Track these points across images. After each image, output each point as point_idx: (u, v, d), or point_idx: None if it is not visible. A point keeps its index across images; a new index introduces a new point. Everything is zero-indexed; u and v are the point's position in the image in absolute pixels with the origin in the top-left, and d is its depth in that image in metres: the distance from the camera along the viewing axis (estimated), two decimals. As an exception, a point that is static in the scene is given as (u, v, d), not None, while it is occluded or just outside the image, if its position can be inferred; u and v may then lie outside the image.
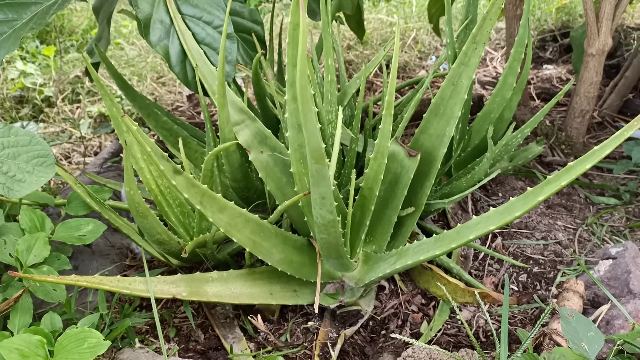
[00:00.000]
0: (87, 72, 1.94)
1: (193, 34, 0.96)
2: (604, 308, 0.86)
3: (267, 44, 1.24)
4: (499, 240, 1.09)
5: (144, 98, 1.19)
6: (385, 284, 0.99)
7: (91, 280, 0.72)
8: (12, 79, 2.09)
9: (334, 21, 1.32)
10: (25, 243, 0.83)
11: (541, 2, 2.72)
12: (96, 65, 1.28)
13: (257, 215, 0.85)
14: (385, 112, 0.78)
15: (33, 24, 0.87)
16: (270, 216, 0.87)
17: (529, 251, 1.06)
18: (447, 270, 0.98)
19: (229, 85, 0.98)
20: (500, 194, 1.23)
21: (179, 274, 0.85)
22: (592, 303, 0.91)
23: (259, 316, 0.90)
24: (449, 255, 1.03)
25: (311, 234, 0.90)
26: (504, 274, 1.01)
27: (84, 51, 1.02)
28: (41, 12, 0.89)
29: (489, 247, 1.08)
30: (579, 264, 1.00)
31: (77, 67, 2.29)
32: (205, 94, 0.98)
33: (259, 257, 0.85)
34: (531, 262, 1.03)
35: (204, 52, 0.96)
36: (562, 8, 2.50)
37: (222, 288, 0.86)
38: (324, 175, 0.70)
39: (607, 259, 0.94)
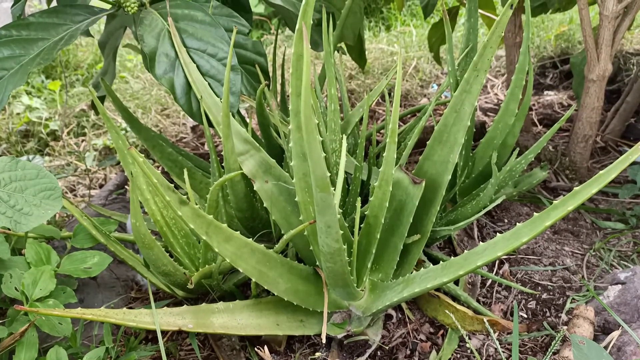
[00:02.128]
0: (92, 106, 1.97)
1: (198, 67, 0.97)
2: (615, 334, 0.85)
3: (270, 74, 1.25)
4: (506, 266, 1.08)
5: (149, 130, 1.20)
6: (393, 312, 0.98)
7: (97, 314, 0.72)
8: (18, 114, 2.11)
9: (336, 51, 1.34)
10: (31, 276, 0.82)
11: (540, 29, 2.75)
12: (102, 99, 1.30)
13: (262, 245, 0.85)
14: (389, 140, 0.79)
15: (40, 59, 0.88)
16: (276, 246, 0.87)
17: (537, 277, 1.05)
18: (455, 298, 0.98)
19: (233, 116, 0.99)
20: (505, 220, 1.23)
21: (185, 305, 0.84)
22: (602, 329, 0.90)
23: (265, 347, 0.89)
24: (457, 282, 1.02)
25: (317, 263, 0.90)
26: (512, 301, 1.00)
27: (90, 85, 1.03)
28: (48, 47, 0.91)
29: (497, 273, 1.08)
30: (588, 290, 0.99)
31: (82, 101, 2.32)
32: (210, 125, 0.99)
33: (265, 287, 0.84)
34: (540, 288, 1.02)
35: (209, 84, 0.97)
36: (560, 35, 2.53)
37: (229, 319, 0.86)
38: (329, 204, 0.70)
39: (616, 284, 0.93)
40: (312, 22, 0.85)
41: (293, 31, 1.32)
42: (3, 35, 0.91)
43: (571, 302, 0.97)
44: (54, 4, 1.30)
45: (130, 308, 1.04)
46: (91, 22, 0.96)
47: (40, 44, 0.90)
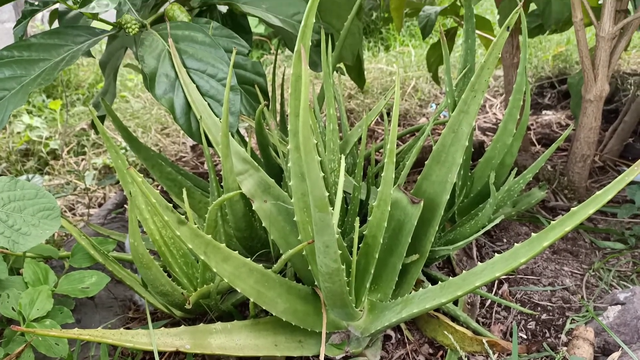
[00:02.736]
0: (92, 125, 1.97)
1: (197, 87, 0.98)
2: (615, 355, 0.84)
3: (270, 94, 1.26)
4: (505, 286, 1.08)
5: (148, 149, 1.20)
6: (392, 333, 0.98)
7: (94, 334, 0.72)
8: (18, 133, 2.12)
9: (335, 72, 1.35)
10: (28, 296, 0.82)
11: (538, 50, 2.78)
12: (102, 118, 1.30)
13: (261, 265, 0.84)
14: (387, 160, 0.79)
15: (41, 80, 0.89)
16: (275, 265, 0.86)
17: (537, 298, 1.05)
18: (454, 319, 0.97)
19: (233, 136, 1.00)
20: (504, 240, 1.22)
21: (183, 325, 0.84)
22: (602, 350, 0.89)
23: (263, 368, 0.88)
24: (456, 302, 1.01)
25: (316, 283, 0.89)
26: (512, 322, 0.99)
27: (90, 104, 1.04)
28: (49, 68, 0.91)
29: (496, 293, 1.07)
30: (587, 311, 0.98)
31: (83, 120, 2.33)
32: (209, 144, 1.00)
33: (263, 307, 0.84)
34: (539, 309, 1.02)
35: (208, 104, 0.98)
36: (558, 55, 2.55)
37: (226, 340, 0.85)
38: (328, 224, 0.70)
39: (616, 304, 0.92)
40: (311, 43, 0.86)
41: (292, 51, 1.33)
42: (5, 56, 0.92)
43: (571, 323, 0.97)
44: (56, 24, 1.31)
45: (128, 328, 1.04)
46: (92, 43, 0.97)
47: (42, 64, 0.91)
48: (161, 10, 1.20)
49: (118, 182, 1.79)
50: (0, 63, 0.92)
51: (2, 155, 1.98)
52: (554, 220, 0.68)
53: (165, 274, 0.89)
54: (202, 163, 1.93)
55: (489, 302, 1.05)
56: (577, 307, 1.01)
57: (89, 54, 1.17)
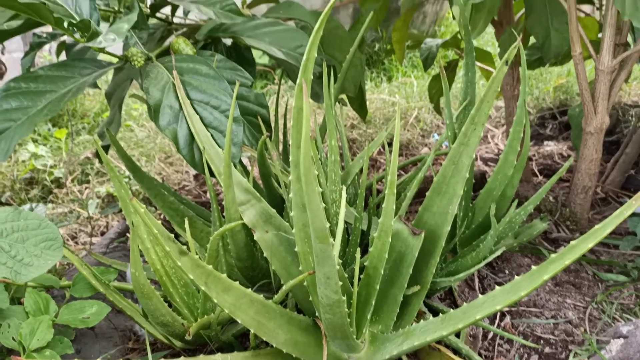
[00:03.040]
0: (97, 154, 1.99)
1: (201, 118, 0.99)
2: (619, 390, 0.83)
3: (273, 124, 1.28)
4: (507, 319, 1.07)
5: (151, 179, 1.21)
6: (393, 365, 0.97)
7: (93, 365, 0.71)
8: (23, 161, 2.14)
9: (337, 103, 1.37)
10: (29, 326, 0.82)
11: (539, 81, 2.80)
12: (106, 148, 1.32)
13: (262, 295, 0.84)
14: (387, 191, 0.80)
15: (47, 111, 0.90)
16: (275, 296, 0.86)
17: (539, 330, 1.04)
18: (456, 351, 0.96)
19: (235, 166, 1.01)
20: (507, 271, 1.22)
21: (183, 357, 0.84)
22: (606, 385, 0.88)
23: (263, 401, 0.88)
24: (458, 335, 1.01)
25: (317, 314, 0.89)
26: (514, 355, 0.99)
27: (95, 134, 1.05)
28: (55, 99, 0.93)
29: (498, 326, 1.06)
30: (590, 344, 0.98)
31: (87, 149, 2.35)
32: (212, 174, 1.01)
33: (264, 339, 0.83)
34: (542, 342, 1.01)
35: (211, 135, 0.99)
36: (559, 87, 2.57)
37: (226, 371, 0.85)
38: (329, 255, 0.70)
39: (619, 337, 0.92)
40: (313, 75, 0.87)
41: (295, 82, 1.35)
42: (12, 87, 0.94)
43: (574, 357, 0.96)
44: (63, 56, 1.34)
45: (127, 359, 1.03)
46: (98, 75, 0.99)
47: (48, 96, 0.93)
48: (167, 43, 1.22)
49: (121, 210, 1.79)
50: (7, 94, 0.93)
51: (6, 183, 1.99)
52: (555, 252, 0.68)
53: (166, 304, 0.89)
54: (205, 192, 1.94)
55: (491, 334, 1.05)
56: (580, 341, 1.00)
57: (95, 85, 1.19)
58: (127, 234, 1.54)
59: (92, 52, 1.22)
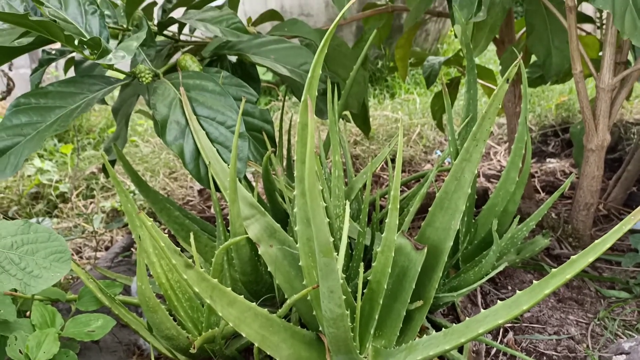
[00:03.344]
0: (102, 169, 2.01)
1: (207, 134, 1.01)
2: (622, 406, 0.84)
3: (277, 140, 1.29)
4: (510, 335, 1.07)
5: (157, 193, 1.22)
6: (396, 380, 0.97)
7: (99, 377, 0.72)
8: (29, 176, 2.16)
9: (340, 119, 1.38)
10: (35, 339, 0.83)
11: (541, 99, 2.82)
12: (112, 163, 1.33)
13: (266, 310, 0.85)
14: (391, 207, 0.81)
15: (57, 126, 0.92)
16: (279, 310, 0.87)
17: (542, 346, 1.04)
18: (459, 366, 0.97)
19: (240, 181, 1.02)
20: (509, 287, 1.22)
21: (187, 370, 0.84)
22: (609, 401, 0.88)
23: (266, 415, 0.88)
24: (461, 350, 1.01)
25: (320, 328, 0.90)
26: (517, 370, 0.99)
27: (101, 149, 1.07)
28: (64, 115, 0.95)
29: (501, 342, 1.07)
30: (593, 360, 0.98)
31: (92, 164, 2.37)
32: (217, 189, 1.02)
33: (268, 353, 0.84)
34: (544, 358, 1.01)
35: (217, 150, 1.01)
36: (561, 105, 2.59)
37: (230, 385, 0.85)
38: (333, 269, 0.71)
39: (621, 354, 0.92)
40: (317, 92, 0.89)
41: (298, 99, 1.37)
42: (22, 103, 0.96)
43: (577, 372, 0.96)
44: (71, 72, 1.36)
45: (132, 373, 1.03)
46: (107, 91, 1.01)
47: (58, 111, 0.95)
48: (173, 59, 1.24)
49: (125, 225, 1.81)
50: (17, 110, 0.95)
51: (13, 198, 2.00)
52: (554, 269, 0.69)
53: (171, 317, 0.89)
54: (209, 207, 1.95)
55: (494, 350, 1.05)
56: (583, 357, 1.01)
57: (103, 101, 1.21)
58: (132, 249, 1.55)
59: (100, 68, 1.24)
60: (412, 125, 2.64)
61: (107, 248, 1.68)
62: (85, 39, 0.89)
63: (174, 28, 1.31)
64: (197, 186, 2.13)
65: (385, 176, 2.08)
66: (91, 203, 2.02)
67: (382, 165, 2.17)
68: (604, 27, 1.33)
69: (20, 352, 0.81)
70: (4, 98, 1.69)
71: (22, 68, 3.56)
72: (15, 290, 0.88)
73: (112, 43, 1.00)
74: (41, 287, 0.73)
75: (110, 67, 0.98)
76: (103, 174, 2.19)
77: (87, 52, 0.94)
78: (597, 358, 0.98)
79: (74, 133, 2.66)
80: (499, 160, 2.22)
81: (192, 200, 2.02)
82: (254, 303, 0.84)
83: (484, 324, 0.73)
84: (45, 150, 2.50)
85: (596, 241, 0.64)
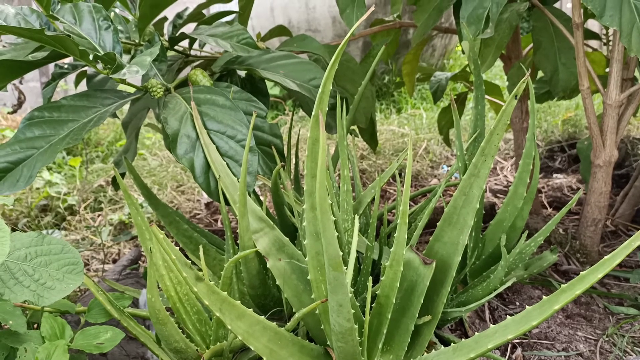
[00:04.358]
0: (112, 181, 2.02)
1: (217, 148, 1.02)
2: None
3: (285, 154, 1.30)
4: (519, 351, 1.07)
5: (166, 207, 1.23)
6: (404, 396, 0.97)
7: (108, 389, 0.72)
8: (38, 188, 2.18)
9: (348, 134, 1.39)
10: (45, 351, 0.83)
11: (547, 114, 2.83)
12: (122, 176, 1.34)
13: (274, 323, 0.85)
14: (400, 221, 0.81)
15: (69, 139, 0.93)
16: (288, 324, 0.87)
17: (550, 362, 1.04)
18: (467, 382, 0.96)
19: (249, 195, 1.03)
20: (517, 303, 1.22)
21: (195, 383, 0.84)
22: (619, 418, 0.88)
23: None
24: (468, 366, 1.01)
25: (328, 343, 0.90)
26: (525, 387, 0.98)
27: (112, 162, 1.08)
28: (77, 128, 0.96)
29: (509, 358, 1.06)
30: (602, 377, 0.97)
31: (101, 177, 2.39)
32: (227, 203, 1.03)
33: (276, 367, 0.84)
34: (553, 374, 1.01)
35: (227, 164, 1.02)
36: (567, 120, 2.59)
37: (238, 399, 0.85)
38: (342, 283, 0.71)
39: (631, 370, 0.91)
40: (327, 108, 0.90)
41: (307, 113, 1.38)
42: (36, 116, 0.97)
43: (586, 389, 0.96)
44: (82, 86, 1.38)
45: (139, 385, 1.03)
46: (119, 105, 1.02)
47: (70, 124, 0.96)
48: (183, 74, 1.26)
49: (133, 238, 1.81)
50: (31, 123, 0.97)
51: (23, 210, 2.02)
52: (564, 285, 0.69)
53: (180, 330, 0.89)
54: (216, 220, 1.96)
55: (502, 366, 1.04)
56: (592, 373, 1.00)
57: (114, 115, 1.23)
58: (139, 262, 1.56)
59: (112, 82, 1.26)
60: (419, 140, 2.65)
61: (114, 261, 1.69)
62: (99, 54, 0.91)
63: (184, 43, 1.33)
64: (204, 200, 2.13)
65: (392, 190, 2.09)
66: (99, 216, 2.03)
67: (389, 180, 2.18)
68: (611, 43, 1.34)
69: (30, 363, 0.82)
70: (15, 111, 1.72)
71: (31, 81, 3.60)
72: (25, 302, 0.89)
73: (125, 58, 1.02)
74: (54, 299, 0.73)
75: (123, 81, 0.99)
76: (111, 187, 2.20)
77: (100, 67, 0.95)
78: (606, 375, 0.97)
79: (83, 146, 2.68)
80: (505, 176, 2.22)
81: (199, 214, 2.03)
82: (263, 317, 0.84)
83: (494, 339, 0.73)
84: (54, 163, 2.52)
85: (605, 257, 0.65)
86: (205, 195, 2.13)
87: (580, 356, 1.05)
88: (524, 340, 1.10)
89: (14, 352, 0.83)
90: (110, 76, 0.90)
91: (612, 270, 1.37)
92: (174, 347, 0.90)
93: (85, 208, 2.09)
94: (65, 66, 1.25)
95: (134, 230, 1.85)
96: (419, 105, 3.52)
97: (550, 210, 1.83)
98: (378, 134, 2.64)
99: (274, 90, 3.50)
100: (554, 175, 2.19)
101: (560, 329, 1.13)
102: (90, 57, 0.90)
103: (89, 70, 1.31)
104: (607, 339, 1.11)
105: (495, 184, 2.14)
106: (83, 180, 2.30)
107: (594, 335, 1.13)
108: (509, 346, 1.09)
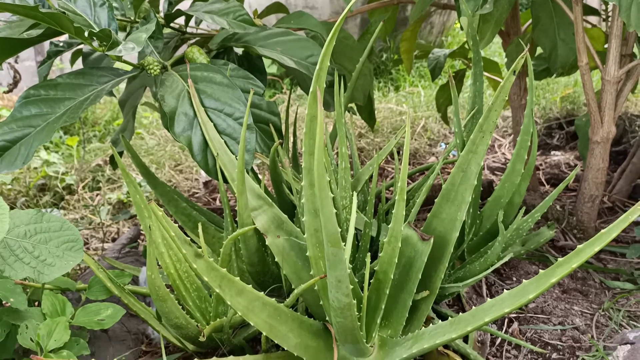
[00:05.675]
0: (110, 161, 2.02)
1: (215, 125, 1.02)
2: (626, 395, 0.85)
3: (283, 132, 1.30)
4: (515, 325, 1.08)
5: (165, 185, 1.23)
6: (402, 370, 0.98)
7: (110, 365, 0.73)
8: (35, 168, 2.17)
9: (346, 111, 1.39)
10: (46, 327, 0.84)
11: (545, 91, 2.82)
12: (119, 155, 1.34)
13: (273, 299, 0.86)
14: (398, 197, 0.81)
15: (66, 118, 0.93)
16: (287, 300, 0.88)
17: (547, 337, 1.05)
18: (465, 357, 0.97)
19: (247, 173, 1.03)
20: (514, 278, 1.23)
21: (196, 359, 0.85)
22: (613, 390, 0.89)
23: (274, 403, 0.89)
24: (466, 340, 1.02)
25: (327, 319, 0.91)
26: (522, 360, 1.00)
27: (110, 141, 1.08)
28: (74, 106, 0.95)
29: (506, 332, 1.08)
30: (597, 350, 0.99)
31: (98, 156, 2.38)
32: (225, 180, 1.03)
33: (276, 342, 0.85)
34: (549, 348, 1.02)
35: (225, 142, 1.02)
36: (566, 97, 2.59)
37: (238, 374, 0.86)
38: (340, 259, 0.72)
39: (625, 344, 0.93)
40: (324, 85, 0.90)
41: (305, 91, 1.38)
42: (32, 94, 0.97)
43: (581, 362, 0.97)
44: (78, 64, 1.37)
45: (140, 361, 1.05)
46: (115, 83, 1.02)
47: (67, 103, 0.95)
48: (180, 52, 1.25)
49: (132, 217, 1.82)
50: (27, 101, 0.96)
51: (21, 190, 2.02)
52: (560, 258, 0.70)
53: (180, 307, 0.90)
54: (214, 199, 1.96)
55: (499, 340, 1.06)
56: (587, 347, 1.01)
57: (111, 93, 1.22)
58: (139, 240, 1.56)
59: (108, 60, 1.25)
60: (417, 118, 2.65)
61: (113, 239, 1.69)
62: (94, 31, 0.90)
63: (180, 20, 1.32)
64: (203, 178, 2.13)
65: (389, 169, 2.09)
66: (97, 195, 2.04)
67: (387, 158, 2.18)
68: (610, 19, 1.33)
69: (31, 340, 0.82)
70: (11, 90, 1.70)
71: (27, 61, 3.57)
72: (25, 280, 0.89)
73: (120, 35, 1.01)
74: (54, 275, 0.74)
75: (119, 58, 0.99)
76: (109, 166, 2.20)
77: (96, 44, 0.95)
78: (602, 348, 0.99)
79: (80, 125, 2.67)
80: (503, 153, 2.22)
81: (197, 193, 2.03)
82: (262, 293, 0.85)
83: (490, 312, 0.74)
84: (51, 142, 2.51)
85: (602, 230, 0.65)
86: (203, 174, 2.14)
87: (576, 330, 1.06)
88: (520, 315, 1.11)
89: (15, 329, 0.84)
90: (106, 53, 0.90)
91: (609, 246, 1.38)
92: (174, 324, 0.90)
93: (83, 187, 2.09)
94: (61, 44, 1.23)
95: (133, 209, 1.85)
96: (417, 83, 3.50)
97: (547, 187, 1.84)
98: (376, 112, 2.63)
99: (271, 69, 3.48)
100: (552, 152, 2.19)
101: (556, 303, 1.14)
102: (86, 34, 0.89)
103: (85, 48, 1.30)
104: (603, 313, 1.13)
105: (493, 161, 2.14)
106: (81, 159, 2.30)
107: (590, 310, 1.14)
108: (506, 320, 1.10)
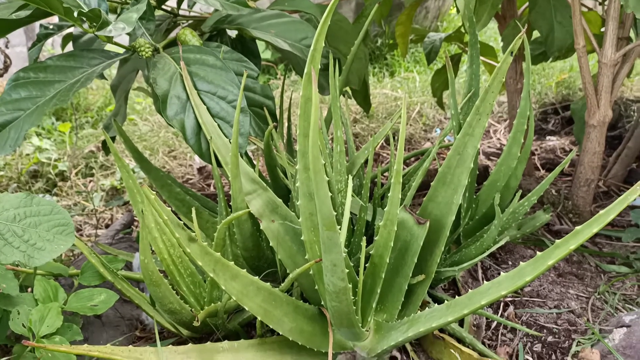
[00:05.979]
0: (102, 147, 2.00)
1: (208, 109, 1.00)
2: (622, 378, 0.84)
3: (277, 117, 1.28)
4: (511, 309, 1.08)
5: (158, 170, 1.22)
6: (398, 354, 0.98)
7: (103, 350, 0.72)
8: (27, 154, 2.15)
9: (341, 95, 1.37)
10: (38, 313, 0.83)
11: (541, 76, 2.81)
12: (112, 140, 1.32)
13: (268, 284, 0.85)
14: (394, 180, 0.80)
15: (56, 101, 0.91)
16: (282, 284, 0.87)
17: (542, 320, 1.05)
18: (460, 340, 0.97)
19: (242, 157, 1.02)
20: (510, 262, 1.23)
21: (190, 344, 0.85)
22: (609, 373, 0.89)
23: (269, 388, 0.89)
24: (461, 324, 1.02)
25: (322, 303, 0.90)
26: (518, 344, 1.00)
27: (102, 127, 1.06)
28: (64, 89, 0.94)
29: (502, 315, 1.07)
30: (593, 333, 0.99)
31: (91, 142, 2.36)
32: (219, 165, 1.02)
33: (270, 327, 0.84)
34: (545, 331, 1.02)
35: (218, 125, 1.00)
36: (561, 82, 2.58)
37: (233, 358, 0.86)
38: (336, 242, 0.71)
39: (621, 327, 0.93)
40: (319, 67, 0.88)
41: (299, 76, 1.36)
42: (21, 77, 0.95)
43: (577, 345, 0.97)
44: (69, 47, 1.34)
45: (135, 347, 1.04)
46: (106, 65, 1.00)
47: (57, 85, 0.94)
48: (172, 34, 1.23)
49: (125, 203, 1.80)
50: (17, 84, 0.94)
51: (12, 176, 2.00)
52: (557, 241, 0.69)
53: (174, 292, 0.89)
54: (209, 185, 1.95)
55: (494, 324, 1.06)
56: (583, 330, 1.01)
57: (102, 76, 1.20)
58: (132, 226, 1.55)
59: (99, 43, 1.23)
60: (412, 104, 2.63)
61: (107, 226, 1.68)
62: (84, 11, 0.88)
63: (172, 3, 1.29)
64: (197, 165, 2.12)
65: (384, 154, 2.08)
66: (90, 181, 2.02)
67: (382, 143, 2.17)
68: (607, 1, 1.32)
69: (23, 325, 0.82)
70: (1, 75, 1.68)
71: (18, 46, 3.53)
72: (17, 265, 0.88)
73: (111, 17, 0.99)
74: (45, 260, 0.73)
75: (110, 40, 0.97)
76: (102, 153, 2.18)
77: (86, 25, 0.93)
78: (597, 331, 0.98)
79: (72, 111, 2.64)
80: (498, 138, 2.22)
81: (191, 179, 2.02)
82: (257, 277, 0.84)
83: (487, 295, 0.74)
84: (43, 128, 2.49)
85: (600, 212, 0.64)
86: (197, 160, 2.12)
87: (572, 313, 1.06)
88: (516, 298, 1.11)
89: (7, 315, 0.83)
90: (96, 34, 0.88)
91: (604, 230, 1.38)
92: (168, 309, 0.90)
93: (76, 174, 2.07)
94: (51, 27, 1.21)
95: (126, 195, 1.84)
96: (412, 68, 3.48)
97: (543, 172, 1.83)
98: (371, 97, 2.62)
99: (265, 54, 3.45)
100: (547, 137, 2.19)
101: (552, 287, 1.14)
102: (75, 14, 0.87)
103: (75, 30, 1.28)
104: (598, 296, 1.13)
105: (489, 146, 2.14)
106: (73, 145, 2.27)
107: (586, 293, 1.14)
108: (502, 304, 1.10)
